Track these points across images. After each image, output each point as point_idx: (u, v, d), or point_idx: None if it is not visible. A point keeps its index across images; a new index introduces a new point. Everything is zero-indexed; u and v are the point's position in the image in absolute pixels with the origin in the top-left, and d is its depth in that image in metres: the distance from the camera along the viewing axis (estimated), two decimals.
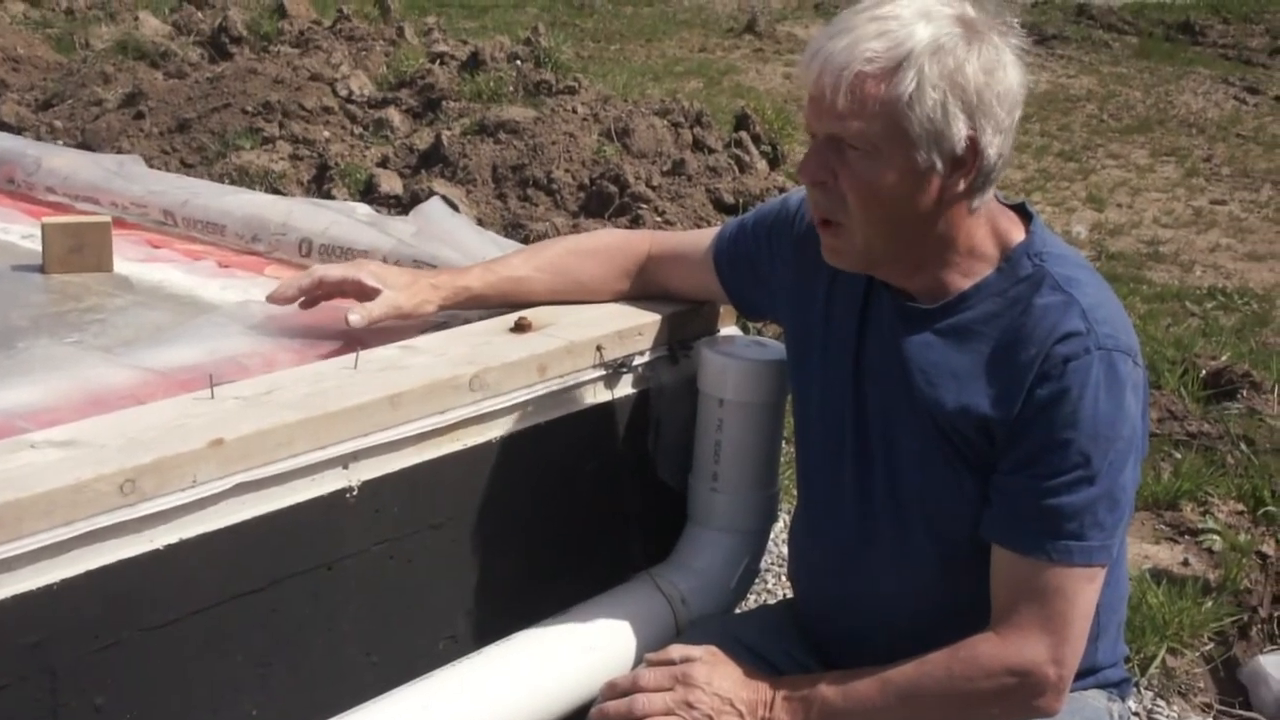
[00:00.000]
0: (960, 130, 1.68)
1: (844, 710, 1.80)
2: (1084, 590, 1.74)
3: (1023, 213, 1.88)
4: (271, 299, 2.14)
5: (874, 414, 1.90)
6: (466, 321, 2.18)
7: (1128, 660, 2.11)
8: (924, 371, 1.83)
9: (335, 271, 2.13)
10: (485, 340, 2.05)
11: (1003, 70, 1.70)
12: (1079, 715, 1.91)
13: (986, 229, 1.82)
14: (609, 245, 2.26)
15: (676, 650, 1.90)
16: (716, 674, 1.85)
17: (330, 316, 2.13)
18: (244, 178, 6.59)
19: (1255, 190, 8.54)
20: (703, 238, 2.19)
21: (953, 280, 1.82)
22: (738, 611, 2.30)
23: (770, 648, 2.02)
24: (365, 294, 2.09)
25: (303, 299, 2.14)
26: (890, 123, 1.68)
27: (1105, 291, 1.82)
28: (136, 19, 9.97)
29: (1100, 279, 1.86)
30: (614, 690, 1.87)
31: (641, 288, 2.23)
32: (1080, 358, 1.71)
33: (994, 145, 1.71)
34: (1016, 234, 1.84)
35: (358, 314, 2.04)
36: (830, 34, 1.71)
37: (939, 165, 1.70)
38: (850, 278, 1.91)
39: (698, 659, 1.87)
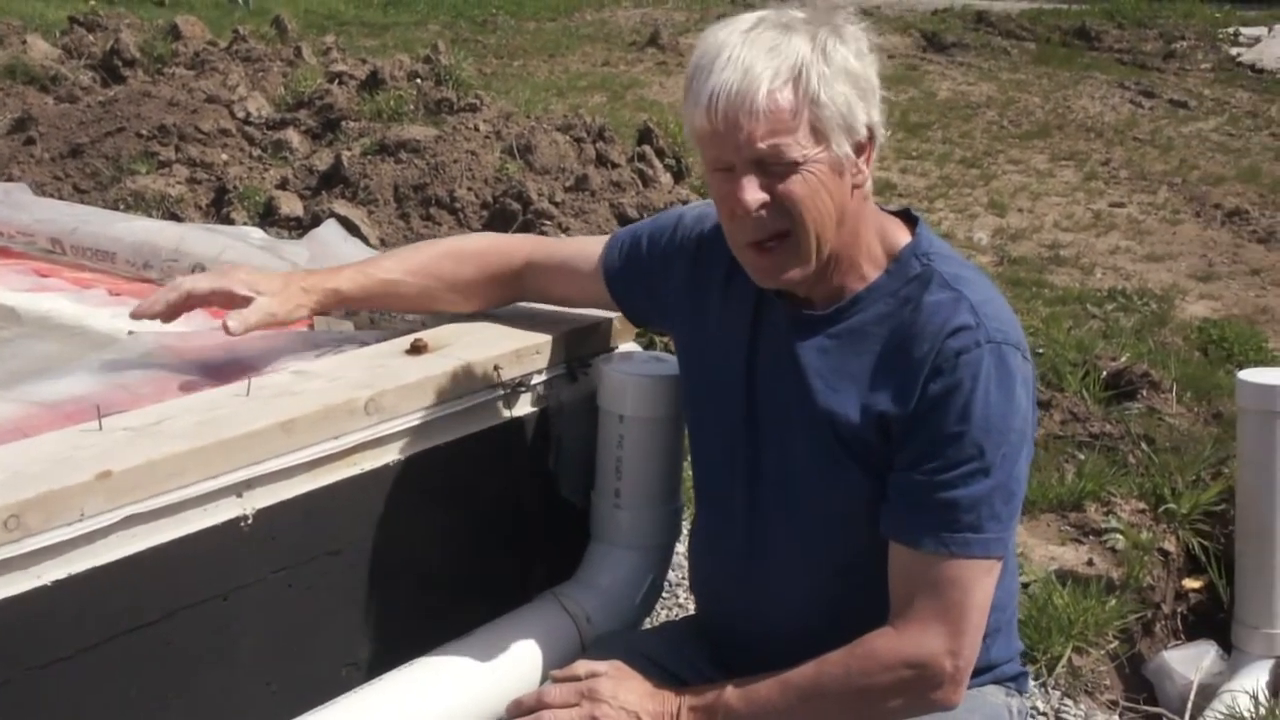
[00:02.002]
0: (861, 116, 1.77)
1: (748, 714, 1.83)
2: (980, 581, 1.78)
3: (907, 218, 1.94)
4: (136, 314, 2.12)
5: (768, 424, 1.93)
6: (363, 344, 2.17)
7: (1024, 655, 2.16)
8: (822, 376, 1.86)
9: (204, 283, 2.11)
10: (381, 363, 2.05)
11: (868, 53, 1.80)
12: (978, 712, 1.95)
13: (874, 232, 1.88)
14: (485, 249, 2.26)
15: (582, 666, 1.91)
16: (622, 688, 1.86)
17: (225, 342, 2.11)
18: (140, 203, 6.50)
19: (1152, 192, 8.71)
20: (590, 247, 2.19)
21: (848, 284, 1.88)
22: (644, 628, 2.31)
23: (675, 661, 2.03)
24: (236, 304, 2.08)
25: (169, 313, 2.11)
26: (810, 127, 1.74)
27: (992, 289, 1.88)
28: (24, 43, 9.79)
29: (986, 278, 1.92)
30: (519, 708, 1.88)
31: (520, 294, 2.24)
32: (971, 351, 1.76)
33: (880, 124, 1.81)
34: (903, 236, 1.90)
35: (235, 320, 2.03)
36: (713, 70, 1.75)
37: (850, 153, 1.78)
38: (741, 290, 1.94)
39: (603, 674, 1.88)
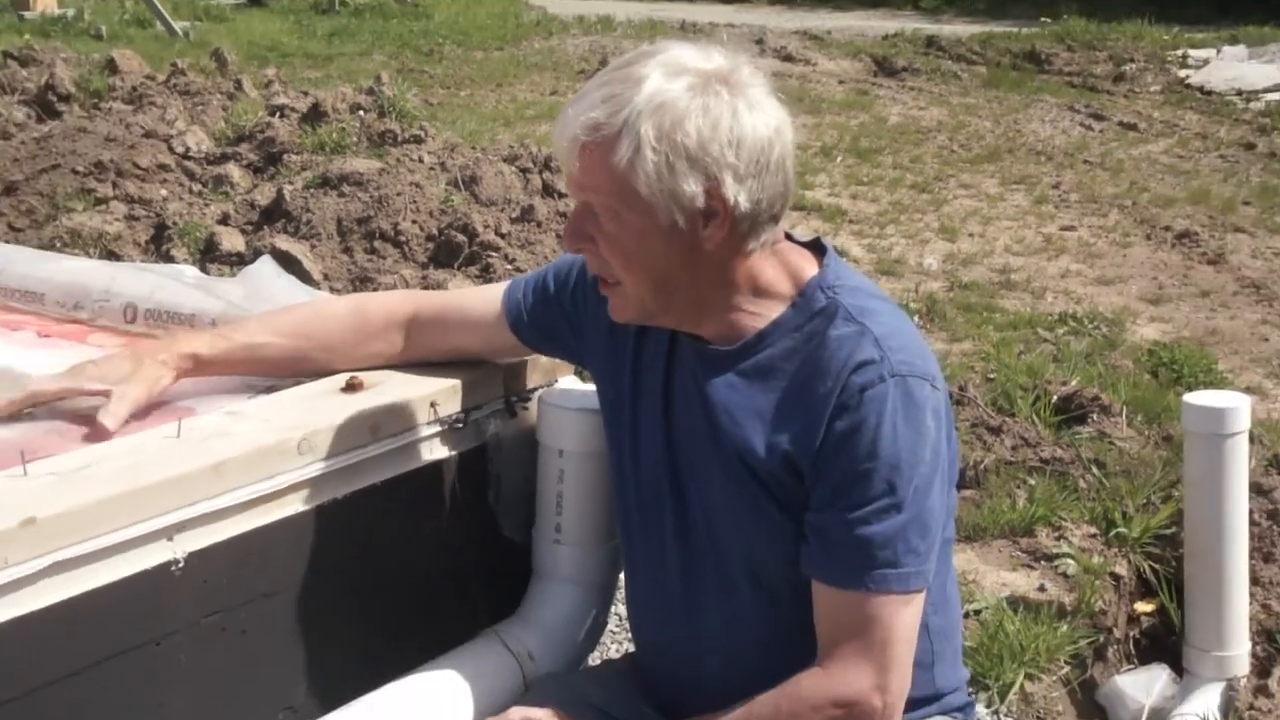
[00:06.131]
0: (691, 186, 1.73)
1: None
2: (902, 616, 1.80)
3: (816, 248, 1.94)
4: None
5: (686, 462, 1.94)
6: (298, 383, 2.18)
7: (973, 683, 2.18)
8: (729, 413, 1.87)
9: (52, 385, 2.06)
10: (314, 402, 2.06)
11: (734, 119, 1.73)
12: None
13: (777, 268, 1.88)
14: (358, 307, 2.24)
15: (516, 713, 1.92)
16: None
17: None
18: (77, 241, 6.47)
19: (1103, 215, 8.81)
20: (487, 294, 2.18)
21: (744, 321, 1.88)
22: (582, 668, 2.32)
23: (613, 703, 2.04)
24: (96, 398, 2.03)
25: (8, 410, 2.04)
26: (620, 188, 1.74)
27: (899, 319, 1.89)
28: None
29: (895, 308, 1.92)
30: None
31: (404, 350, 2.19)
32: (875, 386, 1.77)
33: (744, 192, 1.75)
34: (809, 269, 1.90)
35: (108, 418, 1.97)
36: (573, 100, 1.78)
37: (681, 222, 1.76)
38: (655, 329, 1.96)
39: None
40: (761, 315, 1.87)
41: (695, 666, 1.99)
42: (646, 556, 2.04)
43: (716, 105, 1.73)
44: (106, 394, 2.02)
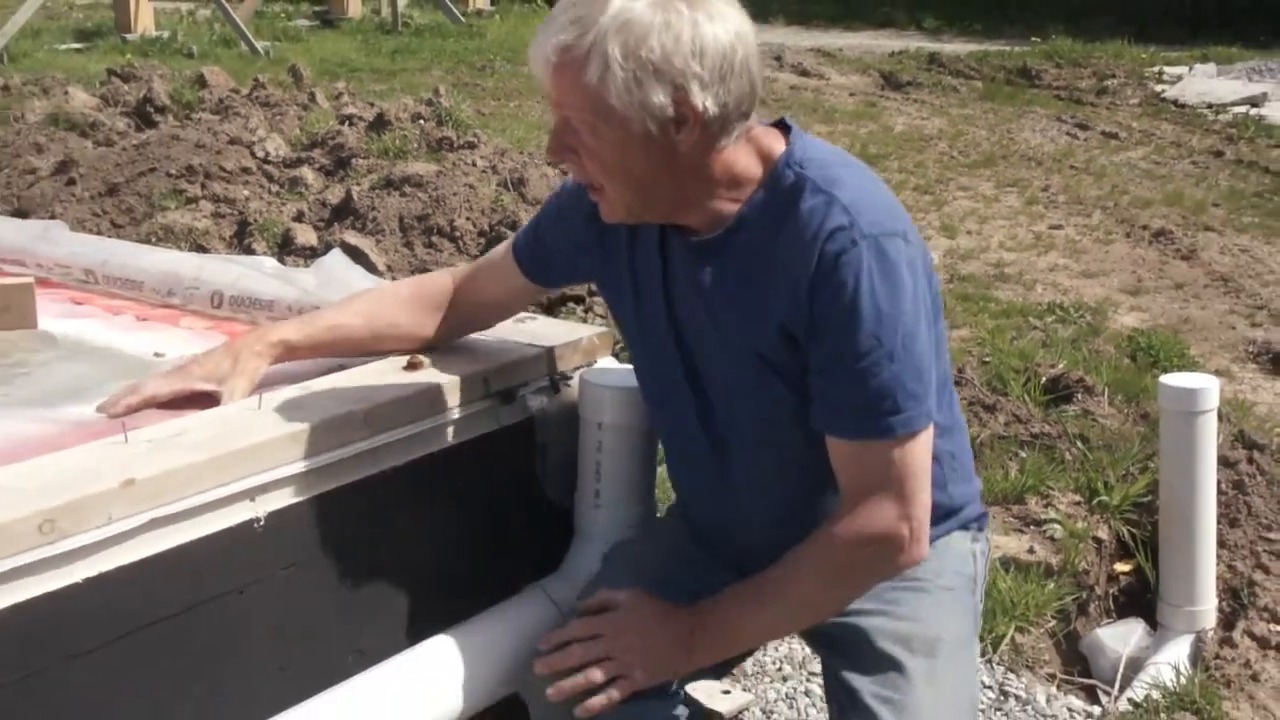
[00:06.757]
0: (660, 98, 1.66)
1: (750, 620, 1.85)
2: (914, 453, 1.75)
3: (783, 126, 1.86)
4: (101, 409, 2.01)
5: (694, 348, 1.90)
6: (365, 363, 2.19)
7: (982, 496, 2.12)
8: (721, 296, 1.83)
9: (165, 387, 2.03)
10: (379, 379, 2.07)
11: (694, 31, 1.65)
12: (946, 559, 1.96)
13: (750, 155, 1.80)
14: (417, 285, 2.23)
15: (604, 595, 1.92)
16: (640, 615, 1.88)
17: None
18: (170, 236, 6.50)
19: (1087, 215, 8.73)
20: (503, 248, 2.16)
21: (724, 209, 1.81)
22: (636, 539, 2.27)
23: (683, 575, 2.02)
24: (205, 396, 2.03)
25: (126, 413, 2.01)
26: (594, 103, 1.67)
27: (869, 182, 1.80)
28: (66, 93, 9.80)
29: (864, 171, 1.84)
30: (550, 642, 1.90)
31: (460, 319, 2.19)
32: (849, 250, 1.69)
33: (711, 97, 1.68)
34: (778, 148, 1.82)
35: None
36: (543, 24, 1.70)
37: (654, 130, 1.69)
38: (646, 229, 1.90)
39: (622, 603, 1.90)
40: (738, 201, 1.81)
41: (739, 536, 1.98)
42: (677, 441, 2.02)
43: (677, 20, 1.65)
44: (214, 393, 2.02)
